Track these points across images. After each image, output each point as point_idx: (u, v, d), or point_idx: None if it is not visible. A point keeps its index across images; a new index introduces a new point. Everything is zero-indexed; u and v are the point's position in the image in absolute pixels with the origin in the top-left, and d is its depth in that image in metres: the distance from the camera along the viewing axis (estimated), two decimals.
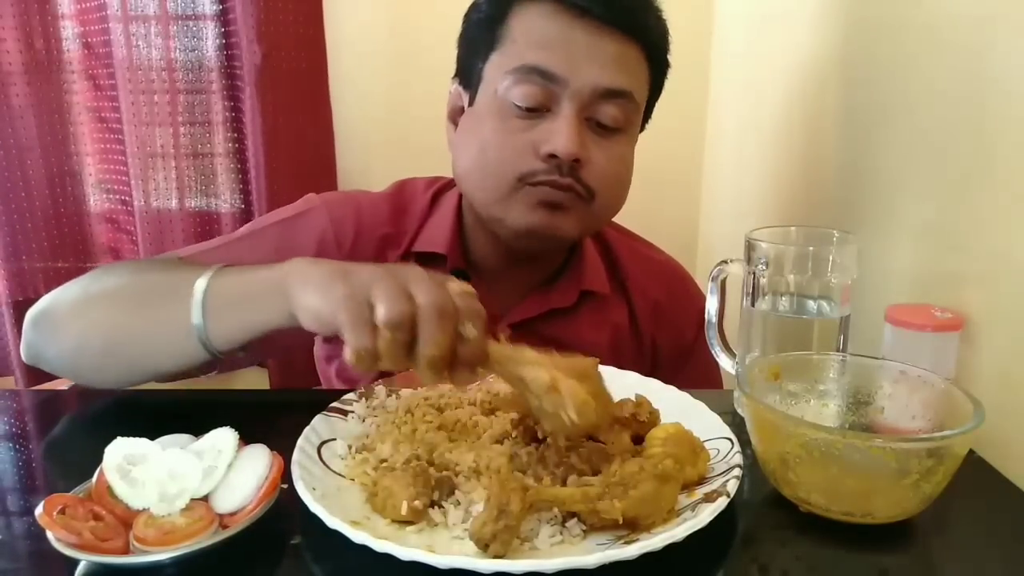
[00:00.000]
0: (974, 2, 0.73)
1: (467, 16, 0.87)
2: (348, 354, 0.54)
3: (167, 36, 1.42)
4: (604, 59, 0.79)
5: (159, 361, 0.72)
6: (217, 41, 1.45)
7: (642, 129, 0.90)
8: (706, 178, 1.61)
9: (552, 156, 0.78)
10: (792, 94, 1.13)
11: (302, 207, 0.92)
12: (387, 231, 0.91)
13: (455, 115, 0.89)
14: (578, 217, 0.82)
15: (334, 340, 0.92)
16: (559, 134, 0.78)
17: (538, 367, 0.56)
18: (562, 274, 0.93)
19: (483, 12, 0.85)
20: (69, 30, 1.45)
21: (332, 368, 0.98)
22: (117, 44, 1.41)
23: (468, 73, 0.86)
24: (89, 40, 1.46)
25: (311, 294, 0.61)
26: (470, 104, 0.86)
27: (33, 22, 1.40)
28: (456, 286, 0.57)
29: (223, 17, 1.44)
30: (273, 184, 1.45)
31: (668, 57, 0.87)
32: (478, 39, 0.84)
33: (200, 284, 0.68)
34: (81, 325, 0.73)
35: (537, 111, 0.80)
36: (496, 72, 0.81)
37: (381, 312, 0.53)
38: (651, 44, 0.83)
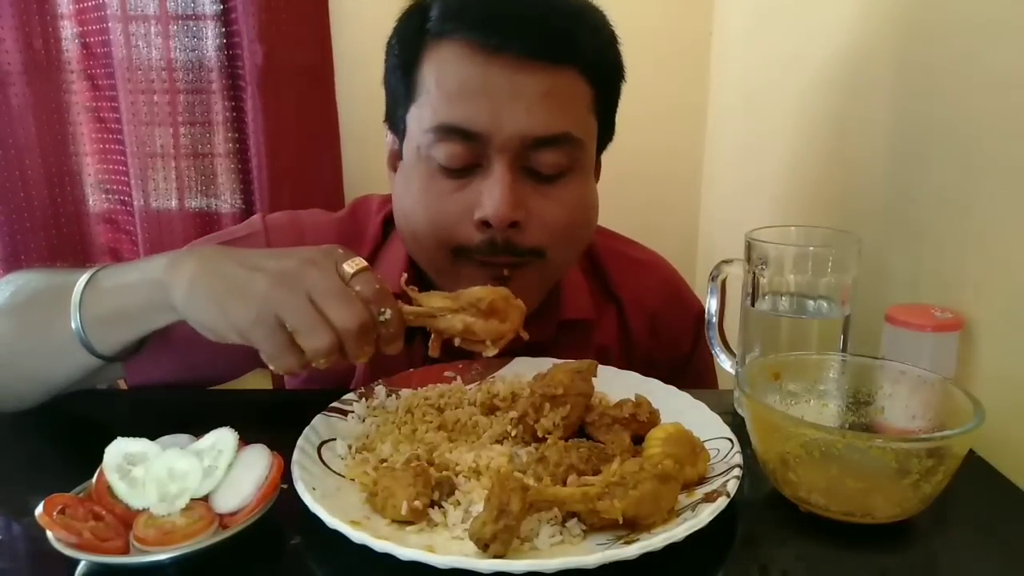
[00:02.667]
0: (970, 2, 0.72)
1: (385, 55, 0.78)
2: (273, 369, 0.59)
3: (167, 36, 1.42)
4: (530, 101, 0.69)
5: (52, 372, 0.70)
6: (217, 41, 1.44)
7: (607, 142, 0.82)
8: (706, 178, 1.61)
9: (486, 223, 0.70)
10: (791, 94, 1.13)
11: (243, 231, 0.88)
12: None
13: (393, 160, 0.81)
14: (531, 285, 0.74)
15: None
16: (491, 196, 0.69)
17: (451, 318, 0.63)
18: (538, 308, 0.82)
19: (396, 56, 0.75)
20: (68, 30, 1.45)
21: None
22: (116, 44, 1.41)
23: (394, 119, 0.78)
24: (88, 40, 1.46)
25: (205, 309, 0.60)
26: (400, 154, 0.78)
27: (32, 22, 1.40)
28: (353, 268, 0.59)
29: (225, 16, 1.44)
30: (275, 184, 1.45)
31: (618, 66, 0.78)
32: (396, 85, 0.76)
33: (78, 286, 0.67)
34: None
35: (466, 169, 0.72)
36: (416, 127, 0.73)
37: (305, 347, 0.57)
38: (588, 64, 0.73)
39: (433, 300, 0.63)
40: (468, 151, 0.71)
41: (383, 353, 0.61)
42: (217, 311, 0.59)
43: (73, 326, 0.66)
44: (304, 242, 0.85)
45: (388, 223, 0.87)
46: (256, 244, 0.84)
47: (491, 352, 0.65)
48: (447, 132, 0.70)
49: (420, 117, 0.73)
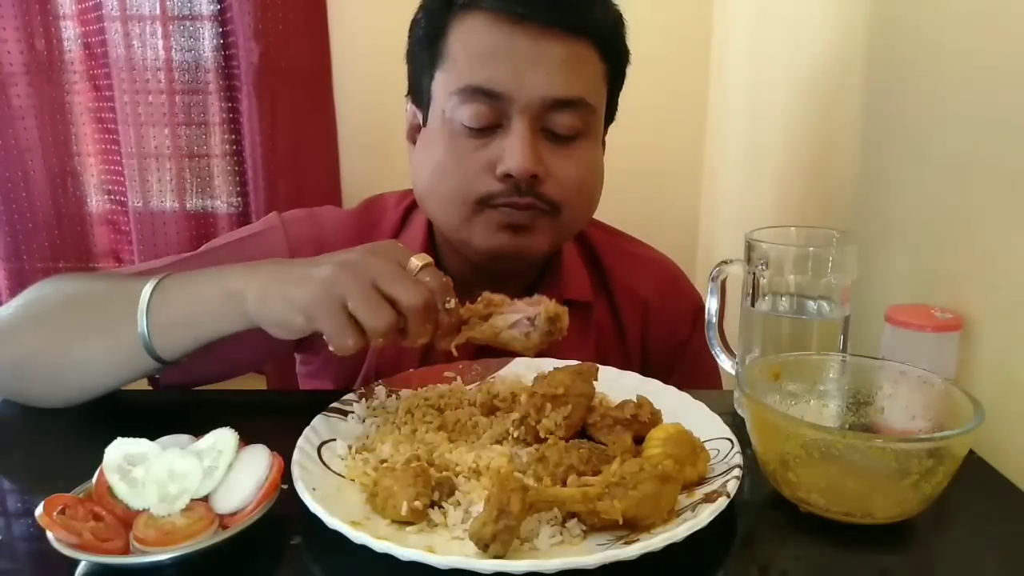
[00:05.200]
0: (975, 3, 0.73)
1: (410, 31, 0.83)
2: (333, 349, 0.60)
3: (164, 36, 1.42)
4: (550, 66, 0.74)
5: (106, 374, 0.71)
6: (214, 41, 1.44)
7: (611, 121, 0.87)
8: (706, 178, 1.62)
9: (508, 176, 0.75)
10: (792, 95, 1.13)
11: (260, 227, 0.91)
12: None
13: (412, 133, 0.86)
14: (545, 233, 0.79)
15: (308, 350, 0.91)
16: (512, 152, 0.74)
17: (505, 315, 0.65)
18: (540, 285, 0.89)
19: (423, 28, 0.80)
20: (70, 31, 1.45)
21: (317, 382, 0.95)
22: (114, 44, 1.41)
23: (418, 91, 0.83)
24: (88, 40, 1.46)
25: (274, 305, 0.62)
26: (424, 123, 0.82)
27: (34, 23, 1.40)
28: (421, 262, 0.63)
29: (220, 17, 1.44)
30: (271, 185, 1.45)
31: (625, 46, 0.83)
32: (421, 56, 0.81)
33: (145, 292, 0.68)
34: (18, 350, 0.71)
35: (488, 129, 0.76)
36: (442, 92, 0.78)
37: (366, 324, 0.59)
38: (601, 38, 0.78)
39: (479, 308, 0.66)
40: (491, 111, 0.75)
41: (438, 347, 0.65)
42: (285, 301, 0.62)
43: (140, 331, 0.67)
44: (323, 234, 0.89)
45: (408, 214, 0.92)
46: (274, 238, 0.87)
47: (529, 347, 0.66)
48: (472, 93, 0.75)
49: (446, 82, 0.77)
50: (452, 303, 0.63)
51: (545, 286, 0.88)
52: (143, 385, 0.80)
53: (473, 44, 0.75)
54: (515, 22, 0.74)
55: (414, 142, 0.85)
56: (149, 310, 0.67)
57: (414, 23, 0.83)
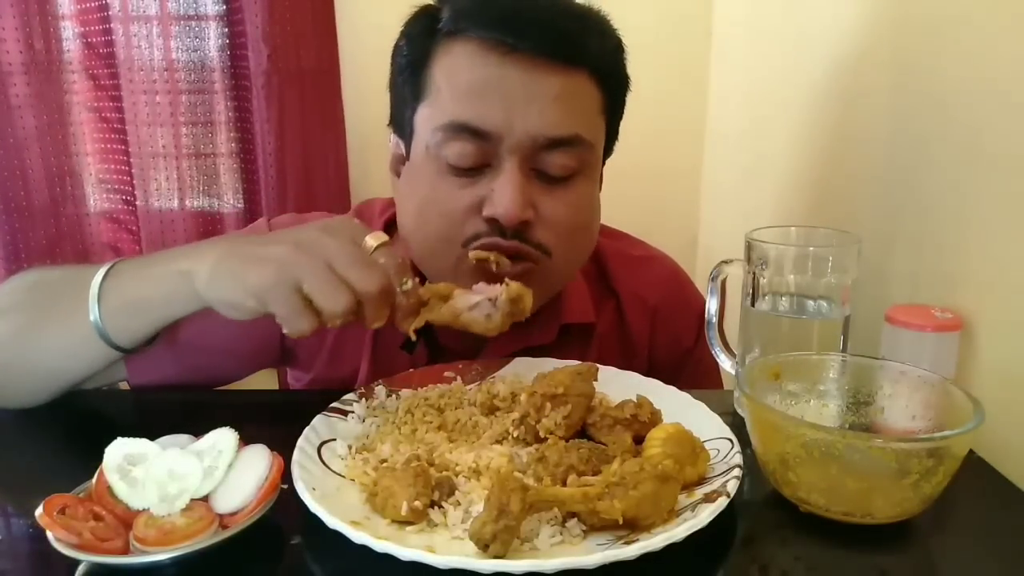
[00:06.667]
0: (974, 4, 0.73)
1: (392, 58, 0.78)
2: (287, 332, 0.59)
3: (168, 37, 1.42)
4: (544, 101, 0.69)
5: (66, 366, 0.71)
6: (220, 41, 1.45)
7: (609, 153, 0.83)
8: (706, 178, 1.61)
9: (494, 219, 0.70)
10: (791, 95, 1.13)
11: (247, 231, 0.89)
12: None
13: (396, 165, 0.80)
14: (537, 283, 0.70)
15: (298, 367, 0.89)
16: (501, 195, 0.69)
17: (466, 296, 0.64)
18: (539, 310, 0.79)
19: (405, 56, 0.75)
20: (70, 30, 1.44)
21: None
22: (119, 44, 1.41)
23: (400, 122, 0.78)
24: (91, 40, 1.46)
25: (225, 285, 0.60)
26: (407, 156, 0.77)
27: (33, 22, 1.39)
28: (376, 241, 0.61)
29: (230, 17, 1.44)
30: (281, 186, 1.45)
31: (626, 73, 0.79)
32: (403, 86, 0.75)
33: (97, 278, 0.67)
34: None
35: (475, 169, 0.71)
36: (426, 126, 0.72)
37: (322, 307, 0.57)
38: (599, 68, 0.73)
39: (440, 288, 0.64)
40: (479, 150, 0.70)
41: (398, 328, 0.62)
42: (236, 282, 0.59)
43: (92, 317, 0.67)
44: None
45: (389, 227, 0.86)
46: None
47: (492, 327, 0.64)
48: (458, 130, 0.70)
49: (430, 116, 0.72)
50: (409, 284, 0.61)
51: (546, 313, 0.82)
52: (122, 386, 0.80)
53: (459, 77, 0.70)
54: (504, 53, 0.68)
55: (398, 174, 0.80)
56: (101, 295, 0.67)
57: (396, 50, 0.77)
